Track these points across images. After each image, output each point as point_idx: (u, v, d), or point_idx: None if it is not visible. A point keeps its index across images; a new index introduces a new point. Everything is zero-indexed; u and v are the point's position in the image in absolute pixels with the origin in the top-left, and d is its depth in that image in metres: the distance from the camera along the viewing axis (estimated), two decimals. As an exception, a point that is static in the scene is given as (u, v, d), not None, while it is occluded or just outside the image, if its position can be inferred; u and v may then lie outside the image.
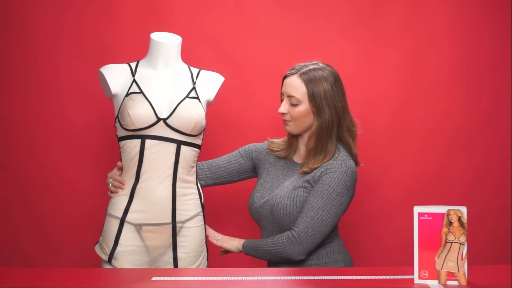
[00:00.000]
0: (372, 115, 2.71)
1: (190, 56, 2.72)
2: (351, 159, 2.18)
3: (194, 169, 2.23)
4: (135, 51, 2.53)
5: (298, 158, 2.26)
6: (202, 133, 2.21)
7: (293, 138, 2.27)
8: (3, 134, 2.70)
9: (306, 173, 2.18)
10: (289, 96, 2.17)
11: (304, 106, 2.15)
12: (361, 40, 2.72)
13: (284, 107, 2.19)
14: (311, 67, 2.18)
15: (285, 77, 2.21)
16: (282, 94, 2.22)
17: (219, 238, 2.29)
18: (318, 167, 2.15)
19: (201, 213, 2.23)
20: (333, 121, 2.16)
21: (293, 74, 2.18)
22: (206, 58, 2.72)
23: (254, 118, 2.70)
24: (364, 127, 2.71)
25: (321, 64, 2.20)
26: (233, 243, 2.26)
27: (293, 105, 2.17)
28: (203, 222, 2.23)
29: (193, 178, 2.22)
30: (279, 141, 2.33)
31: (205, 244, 2.25)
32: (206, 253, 2.25)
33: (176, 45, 2.24)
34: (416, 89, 2.72)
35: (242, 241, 2.24)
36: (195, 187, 2.23)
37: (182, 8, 2.71)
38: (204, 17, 2.73)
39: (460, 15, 2.70)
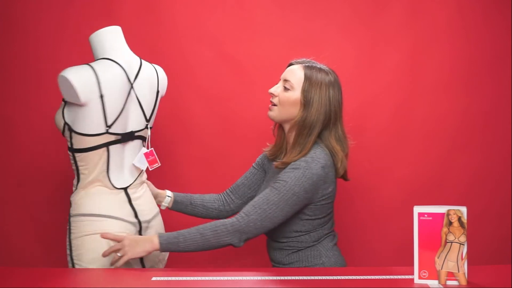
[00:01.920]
0: (372, 115, 2.72)
1: (190, 55, 2.73)
2: (322, 162, 2.09)
3: (75, 173, 2.15)
4: (135, 51, 2.53)
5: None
6: (67, 135, 2.12)
7: (280, 139, 2.25)
8: (3, 134, 2.70)
9: (279, 168, 2.16)
10: (285, 80, 2.17)
11: (295, 94, 2.14)
12: (361, 40, 2.72)
13: (275, 89, 2.19)
14: (318, 66, 2.19)
15: (290, 64, 2.23)
16: (280, 79, 2.22)
17: (118, 254, 2.01)
18: (290, 162, 2.11)
19: (68, 222, 2.15)
20: (318, 120, 2.13)
21: (298, 63, 2.20)
22: (206, 58, 2.72)
23: (254, 118, 2.70)
24: (364, 127, 2.72)
25: (327, 68, 2.20)
26: (143, 248, 2.00)
27: (286, 89, 2.16)
28: (67, 233, 2.14)
29: (75, 182, 2.16)
30: (271, 148, 2.32)
31: (69, 256, 2.12)
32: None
33: (90, 41, 2.18)
34: (416, 89, 2.72)
35: (155, 240, 2.01)
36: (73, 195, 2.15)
37: (182, 8, 2.71)
38: (204, 17, 2.73)
39: (460, 15, 2.70)
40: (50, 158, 2.69)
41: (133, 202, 2.15)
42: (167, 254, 2.24)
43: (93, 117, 2.06)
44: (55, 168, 2.69)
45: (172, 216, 2.41)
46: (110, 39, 2.16)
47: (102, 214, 2.09)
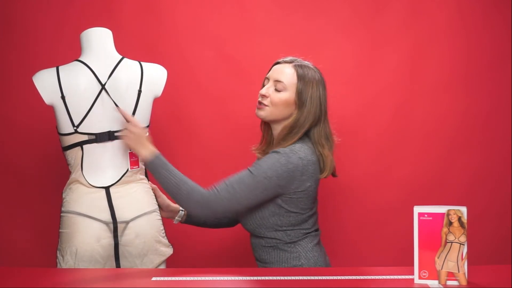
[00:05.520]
0: (372, 115, 2.72)
1: (190, 55, 2.73)
2: (301, 154, 2.09)
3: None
4: (135, 51, 2.53)
5: None
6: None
7: (268, 135, 2.25)
8: (3, 134, 2.70)
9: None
10: (277, 81, 2.16)
11: (288, 95, 2.14)
12: (361, 40, 2.72)
13: (266, 90, 2.17)
14: (306, 64, 2.19)
15: (277, 63, 2.22)
16: (266, 78, 2.21)
17: (126, 133, 2.13)
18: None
19: None
20: (308, 120, 2.14)
21: (287, 62, 2.19)
22: (206, 58, 2.72)
23: (254, 118, 2.69)
24: (364, 127, 2.72)
25: (312, 66, 2.20)
26: (138, 150, 2.11)
27: (277, 90, 2.15)
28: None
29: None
30: (259, 145, 2.31)
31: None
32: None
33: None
34: (416, 89, 2.72)
35: (150, 155, 2.10)
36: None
37: (182, 8, 2.71)
38: (204, 17, 2.73)
39: (460, 15, 2.70)
40: (50, 158, 2.69)
41: (113, 202, 2.14)
42: (164, 261, 2.23)
43: (61, 118, 2.16)
44: (55, 168, 2.69)
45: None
46: (92, 39, 2.22)
47: (75, 212, 2.12)
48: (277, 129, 2.20)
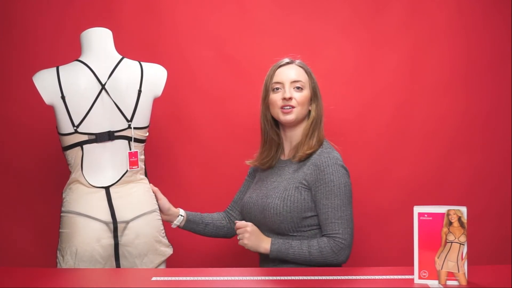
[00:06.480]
0: (372, 115, 2.72)
1: (190, 55, 2.73)
2: (336, 151, 2.22)
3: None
4: (135, 51, 2.53)
5: (284, 157, 2.29)
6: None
7: (273, 140, 2.28)
8: (3, 134, 2.70)
9: (300, 160, 2.19)
10: (295, 81, 2.22)
11: (307, 92, 2.24)
12: (361, 41, 2.72)
13: (290, 92, 2.21)
14: (301, 61, 2.29)
15: (279, 67, 2.26)
16: (277, 83, 2.23)
17: (238, 238, 2.17)
18: (311, 152, 2.17)
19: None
20: (322, 109, 2.26)
21: (289, 63, 2.27)
22: (206, 58, 2.72)
23: (254, 118, 2.70)
24: (364, 127, 2.72)
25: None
26: (263, 245, 2.13)
27: (299, 89, 2.22)
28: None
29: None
30: (257, 157, 2.33)
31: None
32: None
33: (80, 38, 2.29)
34: (416, 89, 2.72)
35: (269, 243, 2.13)
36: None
37: (182, 8, 2.71)
38: (204, 17, 2.73)
39: (460, 15, 2.70)
40: (50, 158, 2.69)
41: (113, 202, 2.14)
42: (164, 261, 2.23)
43: (61, 118, 2.16)
44: (55, 168, 2.69)
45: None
46: (92, 39, 2.23)
47: (75, 212, 2.12)
48: (297, 130, 2.24)
